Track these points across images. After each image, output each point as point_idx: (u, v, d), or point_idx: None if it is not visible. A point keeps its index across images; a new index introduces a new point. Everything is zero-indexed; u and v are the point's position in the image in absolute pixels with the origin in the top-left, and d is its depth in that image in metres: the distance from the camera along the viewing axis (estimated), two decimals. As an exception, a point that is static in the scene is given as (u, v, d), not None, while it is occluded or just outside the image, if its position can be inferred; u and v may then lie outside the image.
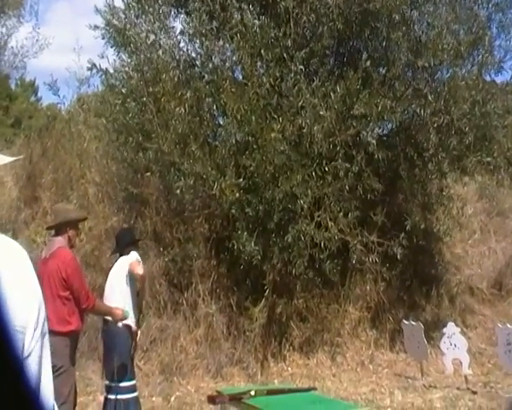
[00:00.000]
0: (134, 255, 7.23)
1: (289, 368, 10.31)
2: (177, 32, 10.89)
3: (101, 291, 7.50)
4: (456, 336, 9.45)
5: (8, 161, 1.49)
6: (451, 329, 9.54)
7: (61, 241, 6.34)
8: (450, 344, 9.44)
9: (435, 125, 9.90)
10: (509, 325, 8.87)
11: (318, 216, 9.83)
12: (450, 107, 9.90)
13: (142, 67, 10.38)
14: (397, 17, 9.94)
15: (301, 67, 9.87)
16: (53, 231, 6.66)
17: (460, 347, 9.37)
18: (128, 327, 7.09)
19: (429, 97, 9.92)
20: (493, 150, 10.45)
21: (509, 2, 10.68)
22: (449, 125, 10.02)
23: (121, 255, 7.38)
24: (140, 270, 7.15)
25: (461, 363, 9.39)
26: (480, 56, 10.47)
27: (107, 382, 7.18)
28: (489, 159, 10.42)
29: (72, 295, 6.17)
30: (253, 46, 9.73)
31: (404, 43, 10.00)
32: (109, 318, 7.06)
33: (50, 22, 45.26)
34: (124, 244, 7.41)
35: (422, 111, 9.86)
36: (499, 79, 11.15)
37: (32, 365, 1.29)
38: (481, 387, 9.36)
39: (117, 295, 7.11)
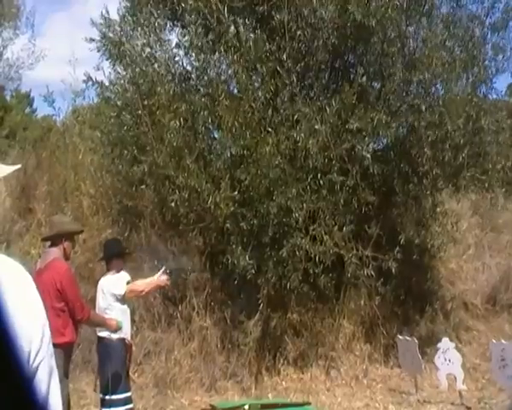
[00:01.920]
0: (124, 277, 7.22)
1: (283, 382, 10.27)
2: (173, 45, 10.90)
3: (94, 303, 7.48)
4: (450, 352, 9.44)
5: (9, 172, 1.49)
6: (446, 344, 9.53)
7: (56, 252, 6.33)
8: (445, 359, 9.43)
9: (429, 139, 9.92)
10: (503, 341, 8.87)
11: (313, 230, 9.82)
12: (444, 121, 9.92)
13: (138, 79, 10.37)
14: (392, 32, 9.98)
15: (296, 80, 9.91)
16: (48, 243, 6.65)
17: (454, 362, 9.36)
18: (122, 340, 7.09)
19: (423, 111, 9.93)
20: (487, 168, 10.48)
21: (505, 23, 10.72)
22: (443, 140, 10.04)
23: (107, 264, 7.40)
24: (139, 288, 7.29)
25: (455, 378, 9.38)
26: (474, 73, 10.51)
27: (100, 395, 7.16)
28: (483, 177, 10.44)
29: (66, 307, 6.16)
30: (248, 60, 9.73)
31: (399, 59, 10.03)
32: (104, 334, 7.06)
33: (46, 34, 45.36)
34: (110, 255, 7.41)
35: (417, 123, 9.86)
36: (491, 96, 11.20)
37: (37, 386, 1.28)
38: (475, 402, 9.36)
39: (109, 311, 7.12)
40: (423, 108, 9.94)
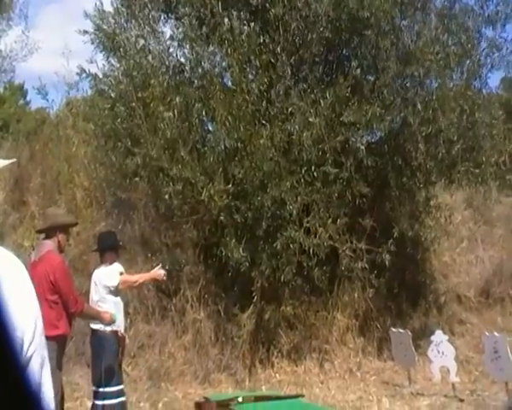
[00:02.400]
0: (117, 268, 7.23)
1: (277, 375, 10.29)
2: (167, 37, 10.89)
3: (89, 296, 7.47)
4: (443, 344, 9.46)
5: (4, 165, 1.48)
6: (439, 337, 9.55)
7: (50, 244, 6.31)
8: (438, 352, 9.45)
9: (423, 134, 9.93)
10: (495, 333, 8.91)
11: (307, 222, 9.83)
12: (438, 116, 9.92)
13: (132, 71, 10.34)
14: (386, 26, 9.98)
15: (291, 73, 9.90)
16: (42, 235, 6.64)
17: (447, 355, 9.38)
18: (115, 333, 7.08)
19: (418, 106, 9.94)
20: (481, 161, 10.49)
21: (499, 17, 10.70)
22: (437, 135, 10.05)
23: (101, 257, 7.39)
24: (132, 278, 7.31)
25: (448, 371, 9.40)
26: (469, 68, 10.50)
27: (93, 387, 7.16)
28: (477, 170, 10.46)
29: (60, 300, 6.14)
30: (243, 52, 9.72)
31: (393, 52, 10.03)
32: (96, 326, 7.05)
33: (40, 26, 45.11)
34: (103, 247, 7.40)
35: (412, 119, 9.86)
36: (485, 91, 11.20)
37: (30, 376, 1.28)
38: (468, 395, 9.37)
39: (102, 303, 7.12)
40: (418, 104, 9.94)
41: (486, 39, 10.87)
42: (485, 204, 13.52)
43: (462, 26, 10.54)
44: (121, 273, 7.18)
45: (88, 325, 7.48)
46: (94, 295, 7.20)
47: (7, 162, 1.51)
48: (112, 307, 7.05)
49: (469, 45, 10.49)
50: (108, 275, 7.13)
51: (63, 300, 6.16)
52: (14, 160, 1.59)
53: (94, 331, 7.17)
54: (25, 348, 1.27)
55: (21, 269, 1.36)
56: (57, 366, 5.97)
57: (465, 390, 9.54)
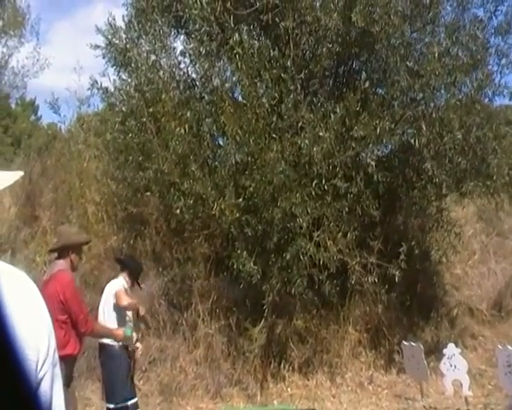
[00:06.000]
0: (120, 282, 7.22)
1: (289, 389, 10.26)
2: (178, 52, 10.96)
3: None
4: (456, 358, 9.40)
5: (14, 180, 1.50)
6: (451, 350, 9.49)
7: (62, 264, 6.31)
8: (451, 365, 9.39)
9: (430, 152, 9.87)
10: (509, 347, 8.83)
11: (317, 236, 9.81)
12: (443, 136, 9.85)
13: (143, 86, 10.41)
14: (396, 40, 9.97)
15: (300, 87, 9.92)
16: (55, 254, 6.64)
17: (460, 368, 9.32)
18: (124, 347, 7.06)
19: (423, 126, 9.87)
20: (492, 173, 10.42)
21: (508, 27, 10.64)
22: (443, 153, 10.00)
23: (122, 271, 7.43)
24: (124, 301, 7.10)
25: (461, 384, 9.33)
26: (478, 81, 10.44)
27: (107, 404, 7.14)
28: (488, 182, 10.39)
29: (69, 319, 6.10)
30: (253, 67, 9.75)
31: (403, 66, 10.00)
32: (105, 341, 7.03)
33: (51, 42, 45.50)
34: (128, 266, 7.43)
35: (416, 141, 9.79)
36: (496, 102, 11.12)
37: (42, 395, 1.29)
38: (481, 408, 9.31)
39: (111, 319, 7.10)
40: (423, 121, 9.89)
41: (496, 49, 10.80)
42: (497, 216, 13.45)
43: (472, 36, 10.47)
44: (125, 289, 7.16)
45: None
46: (101, 311, 7.21)
47: (16, 177, 1.52)
48: (120, 322, 7.05)
49: (479, 56, 10.43)
50: (116, 294, 7.09)
51: (73, 319, 6.12)
52: (22, 173, 1.60)
53: (102, 346, 7.15)
54: (39, 366, 1.28)
55: (32, 287, 1.38)
56: (65, 385, 5.96)
57: (478, 404, 9.47)
